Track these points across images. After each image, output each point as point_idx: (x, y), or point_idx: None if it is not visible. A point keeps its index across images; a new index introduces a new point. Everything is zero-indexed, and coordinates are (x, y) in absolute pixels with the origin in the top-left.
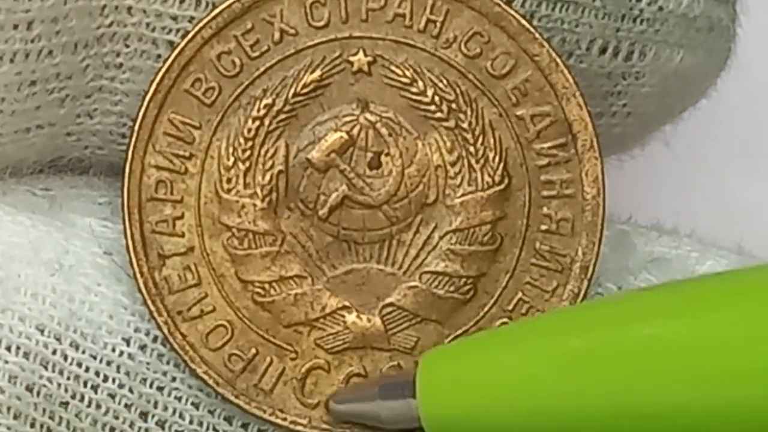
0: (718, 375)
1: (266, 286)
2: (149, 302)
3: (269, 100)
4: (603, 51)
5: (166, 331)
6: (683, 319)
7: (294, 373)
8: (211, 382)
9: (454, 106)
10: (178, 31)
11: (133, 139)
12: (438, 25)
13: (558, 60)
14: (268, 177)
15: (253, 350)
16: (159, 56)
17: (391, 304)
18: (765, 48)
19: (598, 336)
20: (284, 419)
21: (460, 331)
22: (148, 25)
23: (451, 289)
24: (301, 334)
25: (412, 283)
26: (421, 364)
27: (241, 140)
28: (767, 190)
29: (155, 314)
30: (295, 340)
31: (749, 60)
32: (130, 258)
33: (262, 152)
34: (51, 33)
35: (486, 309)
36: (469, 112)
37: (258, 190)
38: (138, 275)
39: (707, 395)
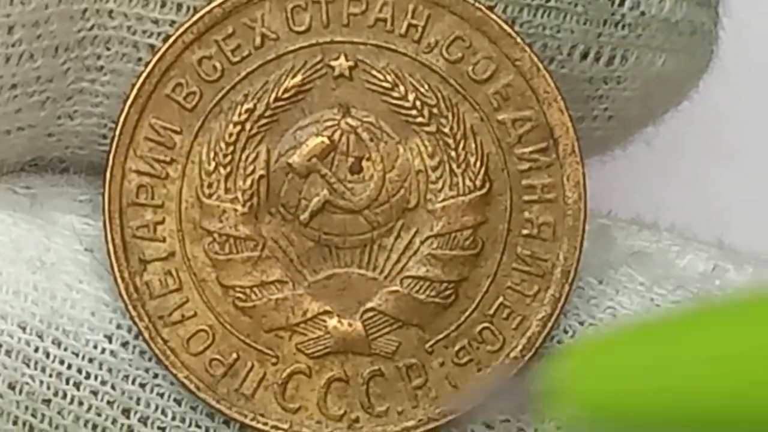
0: None
1: (247, 291)
2: (130, 307)
3: (250, 105)
4: (584, 56)
5: (147, 336)
6: None
7: (275, 377)
8: (192, 386)
9: (435, 110)
10: (159, 35)
11: (114, 144)
12: (419, 29)
13: (539, 65)
14: (249, 182)
15: (234, 355)
16: (140, 59)
17: (372, 309)
18: (745, 46)
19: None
20: (265, 424)
21: (441, 336)
22: (129, 28)
23: (433, 293)
24: (282, 338)
25: (393, 288)
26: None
27: (222, 145)
28: (747, 184)
29: (136, 319)
30: (276, 344)
31: (729, 58)
32: (111, 263)
33: (243, 157)
34: (32, 37)
35: (467, 313)
36: (450, 117)
37: (239, 195)
38: (119, 280)
39: None
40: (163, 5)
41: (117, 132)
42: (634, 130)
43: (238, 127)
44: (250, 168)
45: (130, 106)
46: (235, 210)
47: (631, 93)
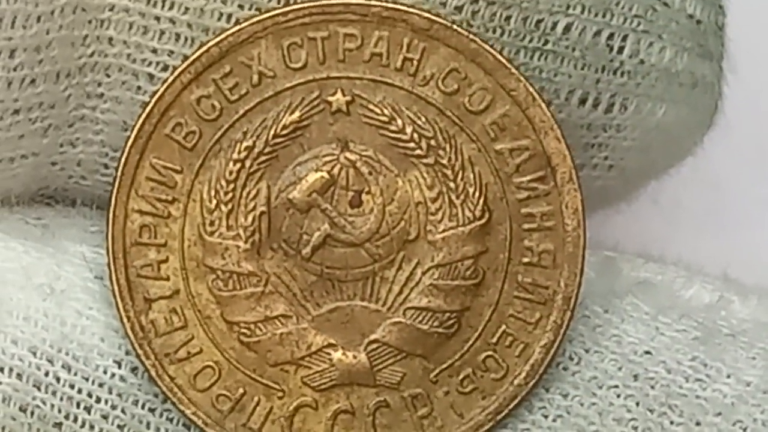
0: None
1: (252, 326)
2: (136, 346)
3: (250, 143)
4: (583, 102)
5: (154, 373)
6: None
7: (282, 411)
8: (200, 423)
9: (433, 142)
10: (157, 64)
11: (116, 185)
12: (415, 63)
13: (535, 94)
14: (250, 218)
15: (241, 390)
16: (139, 88)
17: (376, 341)
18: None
19: None
20: None
21: (445, 365)
22: (128, 56)
23: (435, 324)
24: (288, 372)
25: (397, 319)
26: None
27: (223, 183)
28: (752, 218)
29: (142, 357)
30: (282, 378)
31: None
32: (116, 303)
33: (244, 194)
34: (33, 62)
35: (470, 343)
36: (448, 149)
37: (241, 232)
38: (124, 319)
39: None
40: (161, 35)
41: (118, 173)
42: (636, 182)
43: (238, 165)
44: (251, 205)
45: (131, 147)
46: (238, 247)
47: (631, 142)
